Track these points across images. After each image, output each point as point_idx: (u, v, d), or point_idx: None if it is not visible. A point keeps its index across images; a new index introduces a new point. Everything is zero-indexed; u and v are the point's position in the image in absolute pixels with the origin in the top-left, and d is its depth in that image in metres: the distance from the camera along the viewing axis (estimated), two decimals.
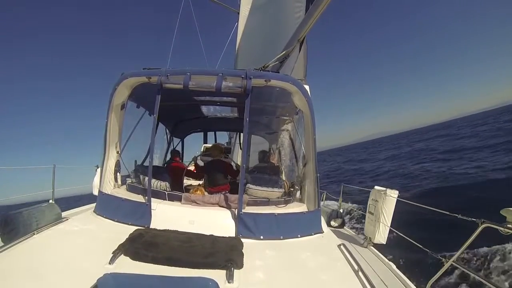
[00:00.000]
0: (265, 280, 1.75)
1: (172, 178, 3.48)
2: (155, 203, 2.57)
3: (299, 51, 3.97)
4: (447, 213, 2.86)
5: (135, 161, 3.74)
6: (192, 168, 4.44)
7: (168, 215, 2.52)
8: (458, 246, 2.54)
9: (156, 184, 2.98)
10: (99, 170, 3.32)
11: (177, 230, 2.30)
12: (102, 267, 1.71)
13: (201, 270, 1.74)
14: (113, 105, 2.91)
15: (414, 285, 2.88)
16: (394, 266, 3.35)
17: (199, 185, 3.99)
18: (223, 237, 2.24)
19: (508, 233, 2.02)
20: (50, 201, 4.29)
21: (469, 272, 2.63)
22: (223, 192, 2.79)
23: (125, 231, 2.22)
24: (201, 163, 4.29)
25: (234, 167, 4.94)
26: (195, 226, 2.35)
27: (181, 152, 6.10)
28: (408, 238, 3.89)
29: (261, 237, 2.34)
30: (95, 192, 3.22)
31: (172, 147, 5.45)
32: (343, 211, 5.40)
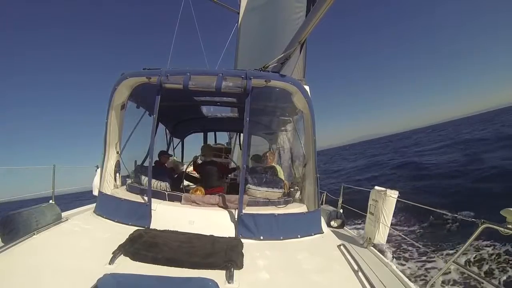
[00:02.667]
0: (265, 281, 1.75)
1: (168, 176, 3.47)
2: (155, 204, 2.57)
3: (300, 53, 3.97)
4: (448, 213, 2.86)
5: (135, 162, 3.74)
6: (191, 168, 4.43)
7: (168, 216, 2.52)
8: (458, 246, 2.54)
9: (156, 184, 2.98)
10: (99, 170, 3.32)
11: (177, 231, 2.30)
12: (102, 267, 1.71)
13: (201, 270, 1.74)
14: (113, 105, 2.91)
15: (414, 285, 2.87)
16: (394, 266, 3.35)
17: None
18: (223, 237, 2.24)
19: (508, 234, 2.02)
20: (50, 201, 4.28)
21: (469, 272, 2.63)
22: (218, 194, 2.80)
23: (125, 231, 2.22)
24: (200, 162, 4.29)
25: (233, 165, 4.93)
26: (195, 227, 2.35)
27: (181, 152, 6.10)
28: (408, 238, 3.90)
29: (261, 238, 2.34)
30: (95, 193, 3.22)
31: (172, 147, 5.45)
32: (343, 211, 5.40)
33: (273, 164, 3.81)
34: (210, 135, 6.82)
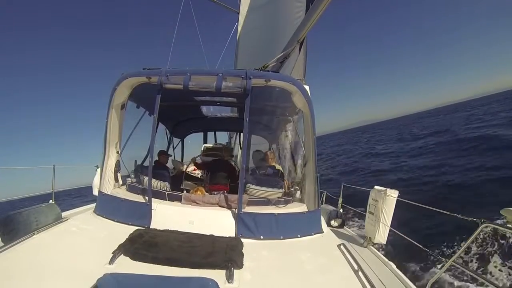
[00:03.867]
0: (265, 280, 1.75)
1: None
2: (155, 203, 2.57)
3: (299, 52, 3.97)
4: (448, 213, 2.86)
5: (135, 161, 3.74)
6: (190, 168, 4.44)
7: (168, 215, 2.52)
8: (458, 246, 2.55)
9: (156, 184, 2.98)
10: (99, 170, 3.32)
11: (177, 230, 2.30)
12: (102, 267, 1.71)
13: (201, 270, 1.74)
14: (113, 105, 2.92)
15: (414, 285, 2.87)
16: (394, 266, 3.35)
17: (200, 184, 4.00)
18: (223, 237, 2.24)
19: (508, 233, 2.02)
20: (50, 201, 4.28)
21: (469, 272, 2.64)
22: (222, 192, 2.81)
23: (125, 231, 2.23)
24: (200, 161, 4.32)
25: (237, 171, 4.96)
26: (195, 226, 2.35)
27: (181, 152, 6.11)
28: (408, 238, 3.88)
29: (261, 237, 2.34)
30: (95, 192, 3.22)
31: (172, 147, 5.46)
32: (343, 211, 5.40)
33: (274, 164, 3.81)
34: (210, 134, 6.83)
